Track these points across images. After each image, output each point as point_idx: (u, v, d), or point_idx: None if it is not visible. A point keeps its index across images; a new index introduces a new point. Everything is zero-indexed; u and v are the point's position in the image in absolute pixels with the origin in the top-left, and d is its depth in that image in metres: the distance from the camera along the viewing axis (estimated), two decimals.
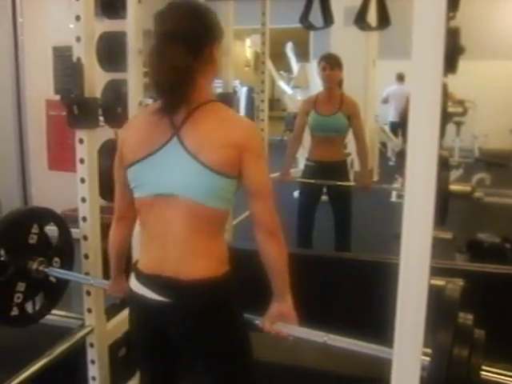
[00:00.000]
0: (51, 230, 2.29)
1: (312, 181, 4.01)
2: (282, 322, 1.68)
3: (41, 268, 2.18)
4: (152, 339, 1.73)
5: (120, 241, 1.85)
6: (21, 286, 2.15)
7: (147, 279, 1.65)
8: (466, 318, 1.41)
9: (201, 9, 1.62)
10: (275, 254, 1.62)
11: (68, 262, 2.32)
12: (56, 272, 2.24)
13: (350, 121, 3.89)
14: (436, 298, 1.25)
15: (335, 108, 3.88)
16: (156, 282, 1.62)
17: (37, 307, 2.28)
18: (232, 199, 1.64)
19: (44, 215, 2.29)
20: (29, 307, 2.24)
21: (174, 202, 1.58)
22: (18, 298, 2.14)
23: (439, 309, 1.34)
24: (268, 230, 1.60)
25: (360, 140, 3.97)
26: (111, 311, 2.46)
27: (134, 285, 1.69)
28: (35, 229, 2.18)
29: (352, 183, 4.05)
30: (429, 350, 1.28)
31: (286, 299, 1.67)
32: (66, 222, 2.34)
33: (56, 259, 2.27)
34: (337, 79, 3.90)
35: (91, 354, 2.34)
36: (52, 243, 2.28)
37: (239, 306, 1.71)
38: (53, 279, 2.27)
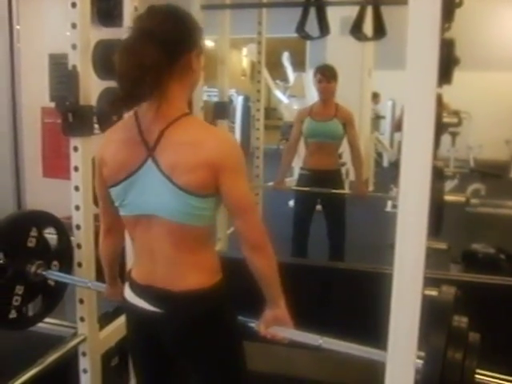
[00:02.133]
0: (50, 233, 2.29)
1: (307, 189, 4.01)
2: (277, 326, 1.68)
3: (39, 271, 2.18)
4: (147, 345, 1.75)
5: (111, 251, 1.86)
6: (19, 289, 2.15)
7: (140, 289, 1.66)
8: (461, 320, 1.41)
9: (183, 14, 1.55)
10: (263, 267, 1.61)
11: (66, 265, 2.32)
12: (54, 275, 2.24)
13: (345, 128, 3.90)
14: (430, 302, 1.24)
15: (330, 115, 3.90)
16: (148, 293, 1.64)
17: (35, 310, 2.29)
18: (213, 215, 1.61)
19: (43, 218, 2.28)
20: (27, 310, 2.24)
21: (156, 221, 1.57)
22: (16, 300, 2.14)
23: (433, 311, 1.33)
24: (253, 245, 1.58)
25: (354, 148, 3.98)
26: (104, 320, 2.45)
27: (128, 294, 1.70)
28: (34, 232, 2.18)
29: (347, 191, 4.04)
30: (422, 353, 1.27)
31: (279, 304, 1.67)
32: (64, 225, 2.34)
33: (55, 262, 2.27)
34: (332, 91, 3.93)
35: (83, 362, 2.32)
36: (51, 247, 2.28)
37: (233, 314, 1.72)
38: (51, 282, 2.27)
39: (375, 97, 9.62)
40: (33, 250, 2.18)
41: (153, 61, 1.41)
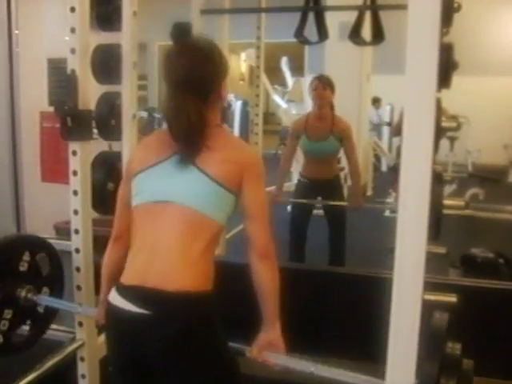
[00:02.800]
0: (42, 258, 2.24)
1: (304, 201, 4.04)
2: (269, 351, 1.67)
3: (29, 296, 2.12)
4: (127, 357, 1.64)
5: (115, 261, 1.82)
6: (7, 314, 2.08)
7: (128, 290, 1.60)
8: (454, 347, 1.40)
9: (208, 52, 1.68)
10: (267, 277, 1.63)
11: (57, 291, 2.27)
12: (44, 300, 2.18)
13: (342, 142, 3.88)
14: (424, 328, 1.22)
15: (326, 132, 3.85)
16: (137, 293, 1.57)
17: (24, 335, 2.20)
18: (229, 215, 1.65)
19: (36, 243, 2.24)
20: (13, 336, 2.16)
21: (172, 208, 1.60)
22: (3, 325, 2.06)
23: (427, 338, 1.32)
24: (262, 253, 1.62)
25: (352, 161, 3.97)
26: (102, 325, 2.44)
27: (113, 297, 1.63)
28: (27, 256, 2.14)
29: (344, 203, 4.03)
30: (417, 381, 1.26)
31: (275, 327, 1.67)
32: (57, 251, 2.30)
33: (45, 289, 2.22)
34: (328, 99, 3.88)
35: (82, 368, 2.31)
36: (42, 272, 2.22)
37: (222, 328, 1.65)
38: (40, 309, 2.21)
39: (376, 101, 9.61)
40: (24, 274, 2.13)
41: (195, 109, 1.60)
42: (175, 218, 1.60)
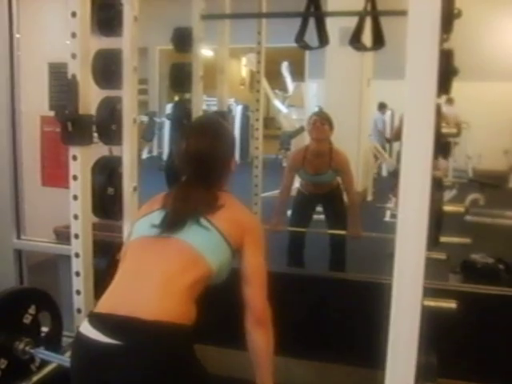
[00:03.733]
0: (46, 315, 2.27)
1: (303, 230, 4.09)
2: None
3: (27, 349, 2.11)
4: None
5: None
6: (2, 363, 2.06)
7: (98, 319, 1.50)
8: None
9: (221, 133, 1.83)
10: (263, 344, 1.64)
11: (54, 349, 2.25)
12: (41, 353, 2.15)
13: (340, 175, 3.94)
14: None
15: (325, 167, 3.90)
16: (107, 322, 1.47)
17: None
18: (221, 267, 1.65)
19: (43, 299, 2.26)
20: None
21: (168, 241, 1.62)
22: None
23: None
24: (258, 318, 1.63)
25: (350, 194, 3.99)
26: None
27: (83, 326, 1.53)
28: (32, 310, 2.16)
29: (343, 232, 4.03)
30: None
31: None
32: (60, 310, 2.32)
33: (43, 346, 2.21)
34: (326, 134, 3.90)
35: None
36: (42, 329, 2.24)
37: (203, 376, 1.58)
38: (33, 367, 2.18)
39: (383, 107, 9.61)
40: (27, 326, 2.13)
41: (203, 200, 1.70)
42: (169, 248, 1.61)
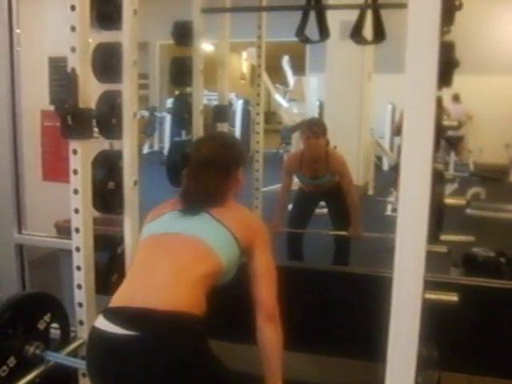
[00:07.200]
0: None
1: (303, 230, 4.11)
2: None
3: (37, 352, 2.12)
4: None
5: None
6: (11, 362, 2.05)
7: (113, 313, 1.54)
8: None
9: (230, 142, 1.99)
10: (273, 340, 1.69)
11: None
12: (51, 356, 2.15)
13: (339, 178, 3.94)
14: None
15: (322, 171, 3.92)
16: (123, 315, 1.51)
17: None
18: (228, 265, 1.70)
19: (59, 310, 2.28)
20: None
21: (178, 237, 1.69)
22: (3, 371, 2.01)
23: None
24: (268, 314, 1.69)
25: (350, 195, 3.98)
26: None
27: (98, 321, 1.56)
28: (47, 317, 2.18)
29: (344, 233, 4.04)
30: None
31: None
32: (69, 321, 2.33)
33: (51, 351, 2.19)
34: (321, 146, 3.87)
35: (83, 366, 2.30)
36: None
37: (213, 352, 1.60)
38: (41, 369, 2.16)
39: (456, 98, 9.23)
40: (39, 332, 2.15)
41: (214, 181, 1.80)
42: (181, 242, 1.67)
